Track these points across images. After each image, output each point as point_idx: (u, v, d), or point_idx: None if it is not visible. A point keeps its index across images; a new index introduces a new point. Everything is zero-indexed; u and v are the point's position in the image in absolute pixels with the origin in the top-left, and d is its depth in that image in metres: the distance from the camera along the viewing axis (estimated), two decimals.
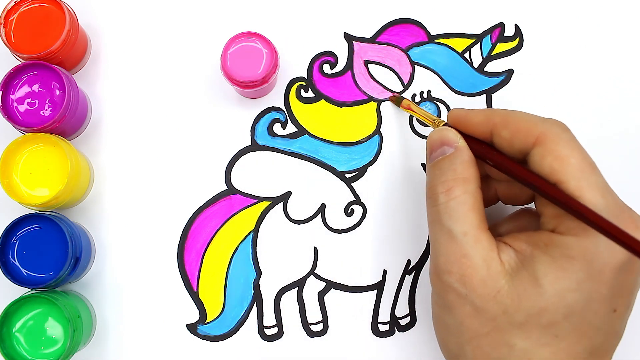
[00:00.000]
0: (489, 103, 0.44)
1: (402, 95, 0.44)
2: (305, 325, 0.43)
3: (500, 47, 0.45)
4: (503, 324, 0.33)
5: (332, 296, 0.43)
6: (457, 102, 0.44)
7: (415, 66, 0.45)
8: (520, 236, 0.34)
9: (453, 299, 0.34)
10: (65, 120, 0.40)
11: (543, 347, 0.32)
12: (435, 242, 0.35)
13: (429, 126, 0.44)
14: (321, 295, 0.43)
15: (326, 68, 0.45)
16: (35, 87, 0.41)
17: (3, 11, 0.41)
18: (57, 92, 0.41)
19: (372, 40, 0.45)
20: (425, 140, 0.44)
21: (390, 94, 0.44)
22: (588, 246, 0.32)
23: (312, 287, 0.43)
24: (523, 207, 0.38)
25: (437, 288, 0.35)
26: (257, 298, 0.43)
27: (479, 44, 0.45)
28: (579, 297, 0.32)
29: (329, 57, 0.45)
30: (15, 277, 0.39)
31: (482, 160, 0.36)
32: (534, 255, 0.33)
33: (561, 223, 0.33)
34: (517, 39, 0.45)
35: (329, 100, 0.44)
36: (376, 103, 0.44)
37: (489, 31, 0.45)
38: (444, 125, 0.38)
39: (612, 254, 0.32)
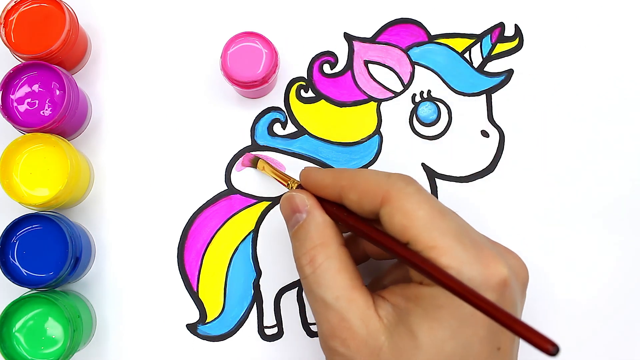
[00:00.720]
0: (489, 103, 0.44)
1: (256, 155, 0.43)
2: (305, 325, 0.43)
3: (500, 47, 0.45)
4: None
5: None
6: (457, 101, 0.44)
7: (415, 66, 0.44)
8: (395, 290, 0.34)
9: None
10: (65, 120, 0.40)
11: None
12: (314, 312, 0.34)
13: (429, 127, 0.44)
14: None
15: (326, 68, 0.45)
16: (35, 87, 0.41)
17: (3, 11, 0.41)
18: (57, 92, 0.41)
19: (372, 40, 0.45)
20: (427, 141, 0.44)
21: (252, 156, 0.43)
22: None
23: None
24: None
25: (326, 353, 0.35)
26: (257, 298, 0.43)
27: (479, 44, 0.45)
28: (456, 344, 0.31)
29: (329, 57, 0.45)
30: (15, 277, 0.39)
31: (337, 222, 0.36)
32: (408, 308, 0.33)
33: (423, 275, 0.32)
34: (517, 39, 0.45)
35: (329, 100, 0.44)
36: (376, 103, 0.44)
37: (489, 31, 0.45)
38: (296, 187, 0.38)
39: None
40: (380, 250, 0.37)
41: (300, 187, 0.38)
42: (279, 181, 0.41)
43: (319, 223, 0.35)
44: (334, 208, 0.35)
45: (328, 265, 0.34)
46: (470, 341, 0.32)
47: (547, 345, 0.26)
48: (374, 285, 0.38)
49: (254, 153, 0.44)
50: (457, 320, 0.31)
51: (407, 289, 0.33)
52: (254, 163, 0.43)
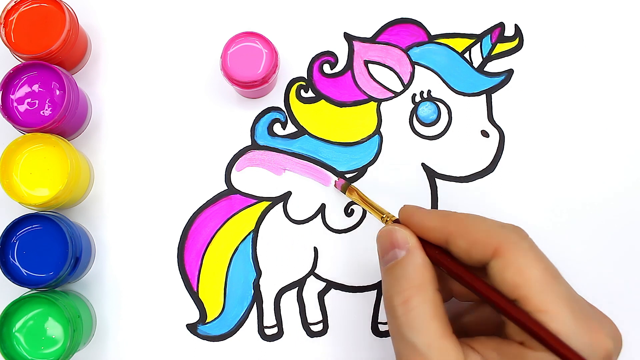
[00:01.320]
0: (489, 103, 0.44)
1: (349, 182, 0.43)
2: (305, 325, 0.43)
3: (500, 47, 0.45)
4: None
5: (332, 296, 0.43)
6: (457, 101, 0.44)
7: (416, 66, 0.44)
8: (488, 343, 0.33)
9: None
10: (65, 120, 0.40)
11: None
12: (401, 356, 0.33)
13: (429, 127, 0.44)
14: (321, 295, 0.43)
15: (326, 68, 0.45)
16: (35, 87, 0.41)
17: (3, 11, 0.41)
18: (57, 92, 0.41)
19: (372, 40, 0.45)
20: (427, 141, 0.44)
21: (343, 181, 0.43)
22: None
23: (312, 287, 0.43)
24: None
25: None
26: (257, 298, 0.43)
27: (479, 44, 0.45)
28: None
29: (329, 57, 0.45)
30: (15, 277, 0.39)
31: (437, 266, 0.34)
32: None
33: (530, 337, 0.31)
34: (517, 39, 0.45)
35: (329, 100, 0.44)
36: (376, 103, 0.44)
37: (489, 31, 0.45)
38: (393, 221, 0.37)
39: None
40: (469, 293, 0.36)
41: (397, 221, 0.36)
42: (372, 214, 0.40)
43: (419, 264, 0.33)
44: (437, 252, 0.34)
45: (423, 309, 0.32)
46: None
47: None
48: (453, 323, 0.36)
49: (245, 160, 0.43)
50: None
51: (504, 346, 0.32)
52: (344, 189, 0.42)
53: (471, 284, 0.33)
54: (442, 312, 0.33)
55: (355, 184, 0.43)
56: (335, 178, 0.43)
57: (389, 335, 0.43)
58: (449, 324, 0.33)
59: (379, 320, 0.43)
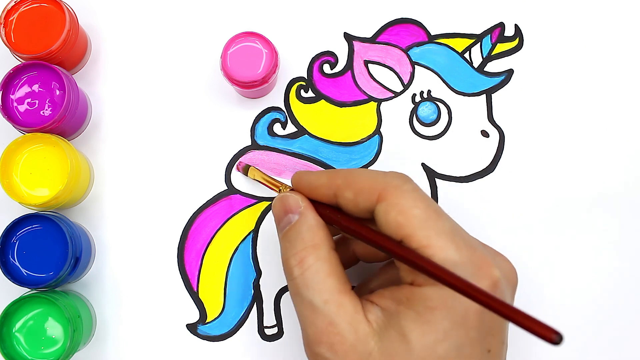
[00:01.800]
0: (489, 103, 0.44)
1: (247, 164, 0.43)
2: None
3: (500, 47, 0.45)
4: None
5: None
6: (457, 101, 0.44)
7: (416, 66, 0.44)
8: (384, 293, 0.33)
9: None
10: (65, 120, 0.40)
11: None
12: (301, 315, 0.34)
13: (429, 127, 0.44)
14: None
15: (326, 68, 0.45)
16: (35, 87, 0.41)
17: (3, 11, 0.41)
18: (57, 92, 0.41)
19: (372, 40, 0.45)
20: (427, 141, 0.44)
21: (242, 163, 0.43)
22: (447, 294, 0.31)
23: None
24: (388, 261, 0.38)
25: (311, 359, 0.34)
26: (257, 298, 0.43)
27: (479, 44, 0.45)
28: (448, 346, 0.31)
29: (329, 57, 0.45)
30: (15, 277, 0.39)
31: (330, 224, 0.35)
32: (399, 311, 0.32)
33: (418, 275, 0.32)
34: (517, 39, 0.45)
35: (329, 100, 0.44)
36: (376, 103, 0.44)
37: (489, 31, 0.45)
38: (289, 190, 0.37)
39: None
40: (371, 252, 0.37)
41: (292, 191, 0.37)
42: (270, 187, 0.40)
43: (312, 225, 0.34)
44: (328, 210, 0.35)
45: (318, 267, 0.33)
46: (461, 343, 0.31)
47: (550, 334, 0.25)
48: (361, 289, 0.37)
49: (245, 160, 0.44)
50: (450, 322, 0.31)
51: (397, 291, 0.33)
52: (245, 171, 0.43)
53: (359, 232, 0.33)
54: (339, 270, 0.34)
55: None
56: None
57: None
58: (347, 281, 0.34)
59: None
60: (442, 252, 0.31)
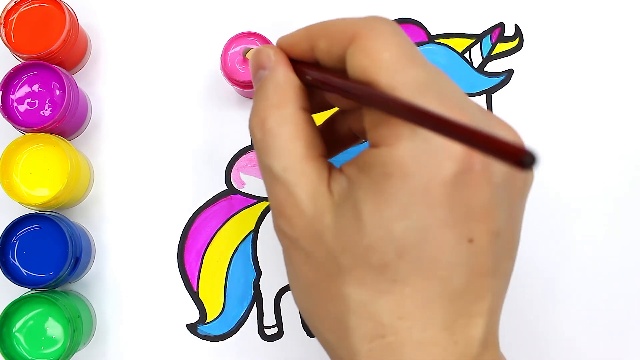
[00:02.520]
0: (489, 103, 0.44)
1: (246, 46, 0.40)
2: (305, 325, 0.43)
3: (500, 47, 0.45)
4: (332, 270, 0.26)
5: None
6: None
7: None
8: (356, 159, 0.27)
9: (287, 244, 0.29)
10: (65, 120, 0.40)
11: (382, 295, 0.25)
12: (265, 184, 0.29)
13: None
14: None
15: None
16: (35, 87, 0.41)
17: (3, 11, 0.41)
18: (57, 92, 0.41)
19: None
20: None
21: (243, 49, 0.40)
22: (403, 157, 0.25)
23: None
24: None
25: (277, 236, 0.30)
26: (257, 298, 0.43)
27: (479, 44, 0.45)
28: (407, 227, 0.25)
29: None
30: (15, 277, 0.39)
31: (304, 84, 0.30)
32: (358, 179, 0.26)
33: (377, 132, 0.26)
34: (517, 39, 0.45)
35: None
36: None
37: (489, 31, 0.45)
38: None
39: (437, 164, 0.24)
40: (344, 103, 0.31)
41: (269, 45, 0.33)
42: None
43: (279, 81, 0.29)
44: (302, 65, 0.30)
45: (279, 130, 0.28)
46: (426, 224, 0.25)
47: (518, 155, 0.19)
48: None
49: (245, 159, 0.43)
50: (408, 195, 0.25)
51: (361, 155, 0.27)
52: (244, 53, 0.40)
53: (325, 81, 0.28)
54: (309, 133, 0.28)
55: None
56: None
57: None
58: (316, 146, 0.29)
59: None
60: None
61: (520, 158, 0.19)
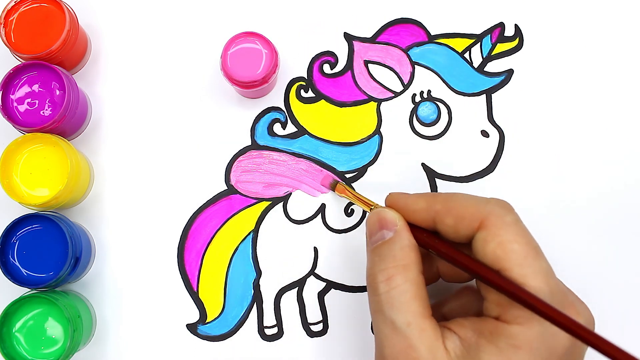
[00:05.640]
0: (489, 103, 0.44)
1: (339, 180, 0.43)
2: (305, 325, 0.43)
3: (500, 47, 0.45)
4: None
5: (332, 296, 0.43)
6: (457, 102, 0.44)
7: (416, 66, 0.44)
8: (464, 322, 0.33)
9: None
10: (65, 120, 0.40)
11: None
12: (380, 333, 0.33)
13: (429, 127, 0.44)
14: (321, 295, 0.43)
15: (326, 68, 0.45)
16: (35, 87, 0.41)
17: (3, 11, 0.41)
18: (57, 92, 0.41)
19: (372, 40, 0.45)
20: (427, 141, 0.44)
21: (331, 178, 0.43)
22: (534, 335, 0.31)
23: (312, 287, 0.43)
24: (465, 284, 0.38)
25: None
26: (257, 298, 0.43)
27: (479, 44, 0.45)
28: None
29: (329, 57, 0.45)
30: (15, 277, 0.39)
31: (424, 249, 0.35)
32: (480, 344, 0.32)
33: (506, 311, 0.32)
34: (517, 39, 0.45)
35: (329, 100, 0.44)
36: (376, 103, 0.44)
37: (489, 31, 0.45)
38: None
39: (557, 341, 0.31)
40: (455, 273, 0.37)
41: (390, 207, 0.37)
42: (360, 205, 0.40)
43: (406, 245, 0.34)
44: (425, 234, 0.35)
45: (405, 288, 0.33)
46: None
47: None
48: (433, 311, 0.36)
49: (244, 160, 0.44)
50: None
51: (480, 323, 0.33)
52: (332, 186, 0.43)
53: (456, 258, 0.33)
54: (424, 294, 0.33)
55: (355, 184, 0.43)
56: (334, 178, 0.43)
57: None
58: (429, 306, 0.33)
59: None
60: (535, 292, 0.31)
61: None
